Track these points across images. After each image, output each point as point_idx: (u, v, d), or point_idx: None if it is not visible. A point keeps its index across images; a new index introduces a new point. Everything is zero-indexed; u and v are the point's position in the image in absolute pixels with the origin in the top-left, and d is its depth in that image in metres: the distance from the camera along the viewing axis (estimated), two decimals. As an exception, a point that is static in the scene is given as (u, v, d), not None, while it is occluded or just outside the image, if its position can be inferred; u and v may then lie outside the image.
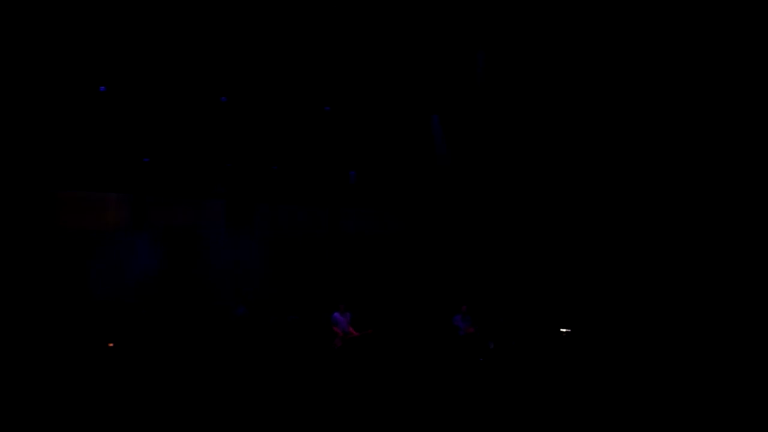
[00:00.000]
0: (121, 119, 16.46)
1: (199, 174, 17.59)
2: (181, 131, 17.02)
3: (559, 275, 16.71)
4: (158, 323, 14.84)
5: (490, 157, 18.04)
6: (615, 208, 16.26)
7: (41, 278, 15.30)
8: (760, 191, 14.26)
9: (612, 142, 16.30)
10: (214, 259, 16.84)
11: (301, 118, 17.72)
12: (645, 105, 15.82)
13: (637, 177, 15.86)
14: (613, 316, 15.40)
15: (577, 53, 16.50)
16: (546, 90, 17.03)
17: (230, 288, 16.26)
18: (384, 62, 16.92)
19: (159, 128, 16.83)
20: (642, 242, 15.45)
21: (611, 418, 5.79)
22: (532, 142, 17.38)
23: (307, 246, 18.51)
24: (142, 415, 5.29)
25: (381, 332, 15.81)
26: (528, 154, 17.46)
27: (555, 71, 16.90)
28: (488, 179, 18.15)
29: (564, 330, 15.53)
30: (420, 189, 19.08)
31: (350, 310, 15.59)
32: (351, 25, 16.17)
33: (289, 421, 5.27)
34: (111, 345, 14.23)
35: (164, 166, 17.32)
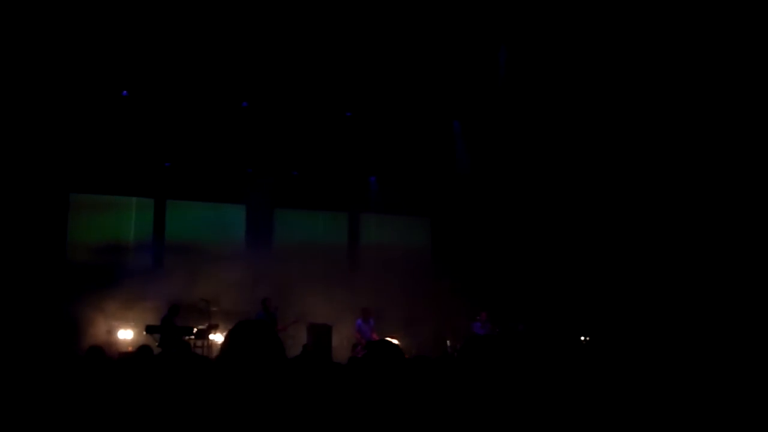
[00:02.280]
0: (142, 124, 16.58)
1: (219, 179, 17.77)
2: (201, 136, 17.09)
3: (582, 282, 16.46)
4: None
5: (511, 163, 17.91)
6: (642, 213, 15.84)
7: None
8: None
9: (639, 145, 15.91)
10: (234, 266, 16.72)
11: (321, 123, 17.82)
12: (674, 109, 15.33)
13: (667, 182, 15.41)
14: (635, 324, 14.87)
15: (601, 54, 16.05)
16: (569, 93, 16.73)
17: (249, 293, 16.04)
18: (405, 68, 16.78)
19: (180, 133, 16.95)
20: (669, 251, 14.99)
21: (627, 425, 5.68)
22: (554, 148, 17.17)
23: (327, 251, 18.53)
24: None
25: (402, 339, 15.59)
26: (549, 159, 17.26)
27: (579, 72, 16.53)
28: (509, 184, 18.00)
29: (584, 338, 15.29)
30: (440, 194, 19.08)
31: (372, 316, 15.54)
32: (372, 31, 16.07)
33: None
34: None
35: (185, 171, 17.54)
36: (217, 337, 14.89)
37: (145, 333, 14.33)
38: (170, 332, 14.10)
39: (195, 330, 14.58)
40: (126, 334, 15.02)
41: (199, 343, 14.60)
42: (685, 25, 14.80)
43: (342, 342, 15.96)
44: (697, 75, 14.90)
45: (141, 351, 9.57)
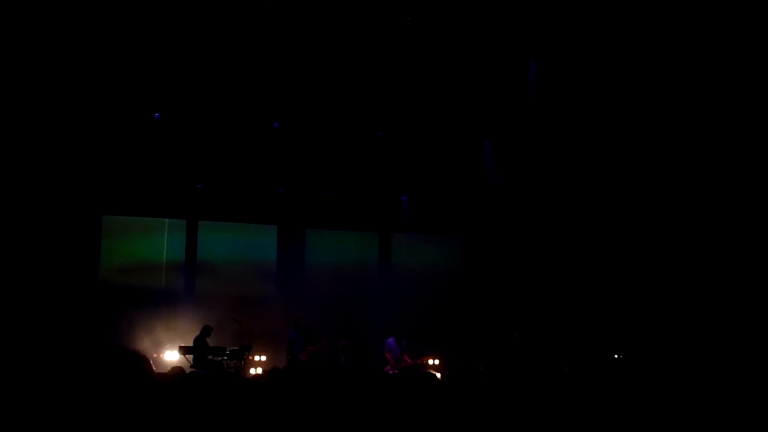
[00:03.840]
0: (174, 145, 16.59)
1: (251, 199, 17.74)
2: (233, 157, 17.10)
3: (615, 301, 16.34)
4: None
5: (541, 181, 17.80)
6: (675, 227, 15.59)
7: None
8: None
9: (666, 159, 15.72)
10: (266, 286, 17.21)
11: (352, 143, 17.73)
12: (703, 122, 14.99)
13: (701, 199, 15.10)
14: (667, 344, 14.79)
15: (628, 68, 15.82)
16: (598, 109, 16.54)
17: (281, 313, 16.16)
18: (434, 88, 16.57)
19: (211, 154, 16.96)
20: (702, 274, 14.71)
21: None
22: (583, 165, 17.07)
23: (358, 270, 18.63)
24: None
25: (435, 361, 15.79)
26: (579, 177, 17.15)
27: (607, 88, 16.29)
28: (539, 204, 17.86)
29: (617, 356, 15.23)
30: (471, 214, 19.03)
31: (404, 337, 15.43)
32: (400, 52, 15.97)
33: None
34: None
35: (217, 192, 17.53)
36: (250, 357, 15.15)
37: (178, 353, 14.42)
38: (203, 352, 14.13)
39: (228, 351, 14.58)
40: (167, 355, 15.09)
41: (232, 363, 14.54)
42: (706, 40, 14.46)
43: (374, 362, 15.74)
44: (722, 89, 14.56)
45: (174, 372, 9.62)
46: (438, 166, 18.17)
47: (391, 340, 15.17)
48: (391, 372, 14.27)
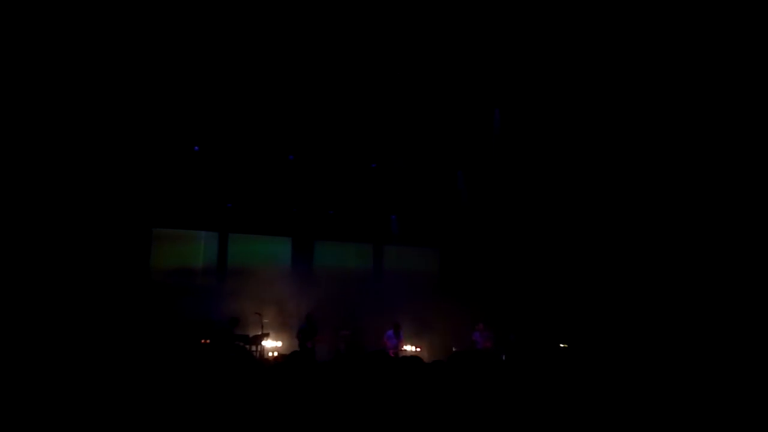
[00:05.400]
0: (209, 172, 17.30)
1: (270, 216, 18.39)
2: (257, 182, 17.82)
3: (564, 298, 16.84)
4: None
5: (503, 203, 18.48)
6: (619, 241, 15.96)
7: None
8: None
9: (611, 183, 16.18)
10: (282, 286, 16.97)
11: (352, 172, 18.47)
12: (652, 146, 15.12)
13: (643, 214, 15.47)
14: (608, 334, 15.13)
15: (582, 106, 16.27)
16: (554, 146, 17.17)
17: (294, 308, 16.73)
18: (418, 129, 17.45)
19: (239, 180, 17.69)
20: (660, 279, 14.81)
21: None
22: (537, 188, 17.72)
23: (357, 275, 19.03)
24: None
25: (416, 348, 16.31)
26: (534, 198, 17.81)
27: (563, 125, 16.85)
28: (503, 222, 18.58)
29: (563, 345, 15.80)
30: (447, 230, 19.62)
31: (402, 330, 16.23)
32: (390, 100, 16.80)
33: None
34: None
35: (244, 210, 18.17)
36: (268, 343, 15.58)
37: (208, 341, 14.86)
38: (230, 339, 14.83)
39: (250, 337, 15.12)
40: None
41: (254, 348, 15.05)
42: (668, 77, 14.41)
43: (369, 348, 16.07)
44: (680, 126, 14.50)
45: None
46: (421, 191, 18.86)
47: (390, 332, 16.03)
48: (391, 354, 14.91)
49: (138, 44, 14.59)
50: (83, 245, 15.23)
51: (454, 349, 15.66)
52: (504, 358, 15.43)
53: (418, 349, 16.14)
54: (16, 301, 13.55)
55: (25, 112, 14.27)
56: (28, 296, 13.79)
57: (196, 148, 17.17)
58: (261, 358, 14.68)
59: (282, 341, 16.13)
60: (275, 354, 15.22)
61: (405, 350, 15.79)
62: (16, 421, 5.23)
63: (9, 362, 7.89)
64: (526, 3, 14.33)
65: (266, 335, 15.40)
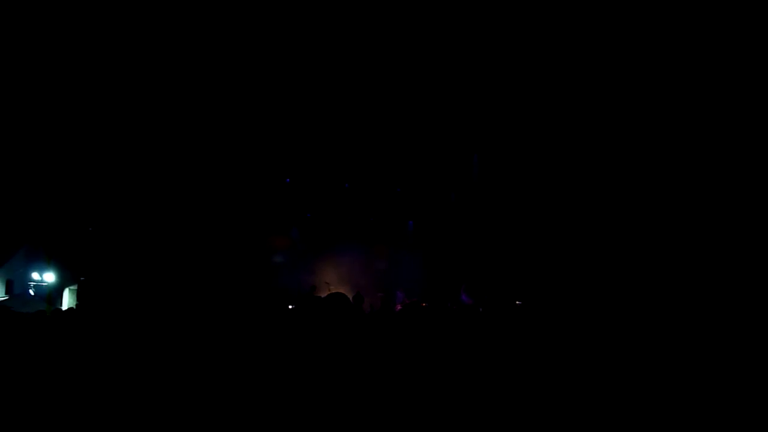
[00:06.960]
0: (296, 194, 21.65)
1: (336, 226, 22.16)
2: (326, 202, 21.96)
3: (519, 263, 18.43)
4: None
5: (483, 228, 20.53)
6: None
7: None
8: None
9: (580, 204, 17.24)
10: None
11: (383, 195, 22.32)
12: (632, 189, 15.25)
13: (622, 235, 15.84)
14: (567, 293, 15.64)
15: (556, 150, 17.16)
16: (526, 188, 18.50)
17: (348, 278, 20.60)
18: (410, 177, 20.59)
19: (315, 200, 22.01)
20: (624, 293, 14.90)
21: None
22: (508, 223, 19.33)
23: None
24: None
25: (424, 304, 17.16)
26: (505, 233, 19.45)
27: (538, 169, 17.93)
28: (481, 246, 20.54)
29: (518, 302, 16.92)
30: (435, 241, 22.27)
31: (404, 292, 19.89)
32: (381, 151, 19.48)
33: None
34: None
35: (319, 221, 22.31)
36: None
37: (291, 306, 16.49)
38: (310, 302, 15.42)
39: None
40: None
41: None
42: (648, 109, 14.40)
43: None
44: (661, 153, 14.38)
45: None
46: (430, 211, 21.90)
47: (399, 292, 20.16)
48: (398, 308, 17.90)
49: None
50: (224, 243, 20.37)
51: (448, 305, 17.60)
52: (480, 310, 16.49)
53: (423, 305, 15.20)
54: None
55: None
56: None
57: (288, 179, 21.97)
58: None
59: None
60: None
61: (408, 302, 18.03)
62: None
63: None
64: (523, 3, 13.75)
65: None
